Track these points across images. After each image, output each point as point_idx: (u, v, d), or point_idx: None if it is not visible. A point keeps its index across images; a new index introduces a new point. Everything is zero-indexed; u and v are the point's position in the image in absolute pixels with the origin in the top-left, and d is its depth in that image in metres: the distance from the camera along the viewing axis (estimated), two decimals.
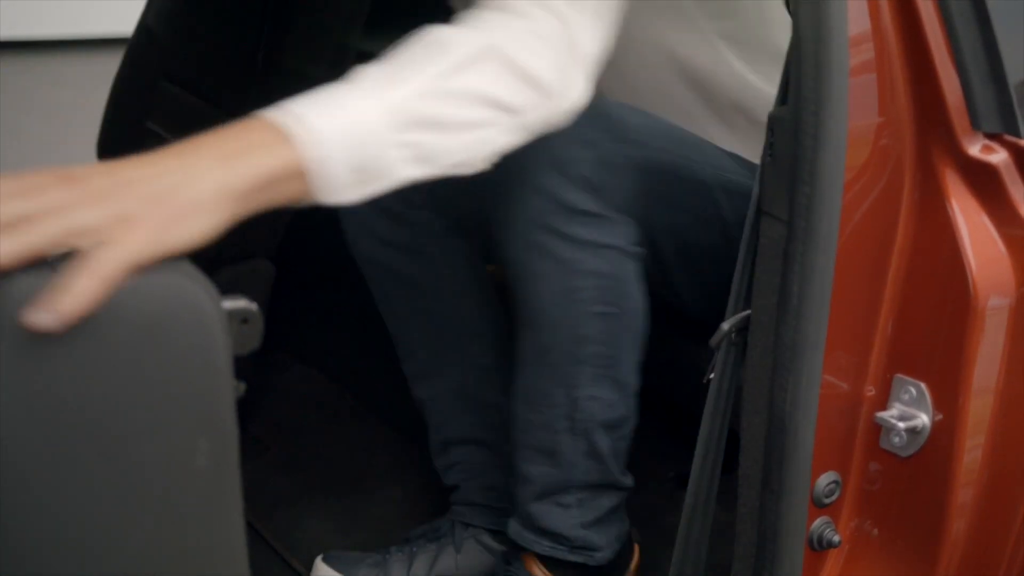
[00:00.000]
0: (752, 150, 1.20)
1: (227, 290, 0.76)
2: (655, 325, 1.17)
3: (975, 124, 0.89)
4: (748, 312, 0.93)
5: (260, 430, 1.71)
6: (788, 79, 0.87)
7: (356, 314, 2.04)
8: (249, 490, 0.71)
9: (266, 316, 0.74)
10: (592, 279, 1.08)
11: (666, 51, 1.23)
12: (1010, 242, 0.91)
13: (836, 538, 0.95)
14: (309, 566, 1.41)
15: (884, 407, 0.94)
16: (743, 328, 0.93)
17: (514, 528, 1.25)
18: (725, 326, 0.93)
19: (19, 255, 0.62)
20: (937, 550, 0.94)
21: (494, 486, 1.35)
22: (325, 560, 1.37)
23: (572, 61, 0.88)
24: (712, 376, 0.96)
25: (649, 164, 1.11)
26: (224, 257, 1.60)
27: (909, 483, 0.94)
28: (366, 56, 2.06)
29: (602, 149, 1.06)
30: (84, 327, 0.62)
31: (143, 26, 1.78)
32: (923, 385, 0.92)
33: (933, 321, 0.91)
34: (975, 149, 0.89)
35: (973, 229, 0.89)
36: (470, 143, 0.84)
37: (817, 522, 0.95)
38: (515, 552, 1.27)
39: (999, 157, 0.90)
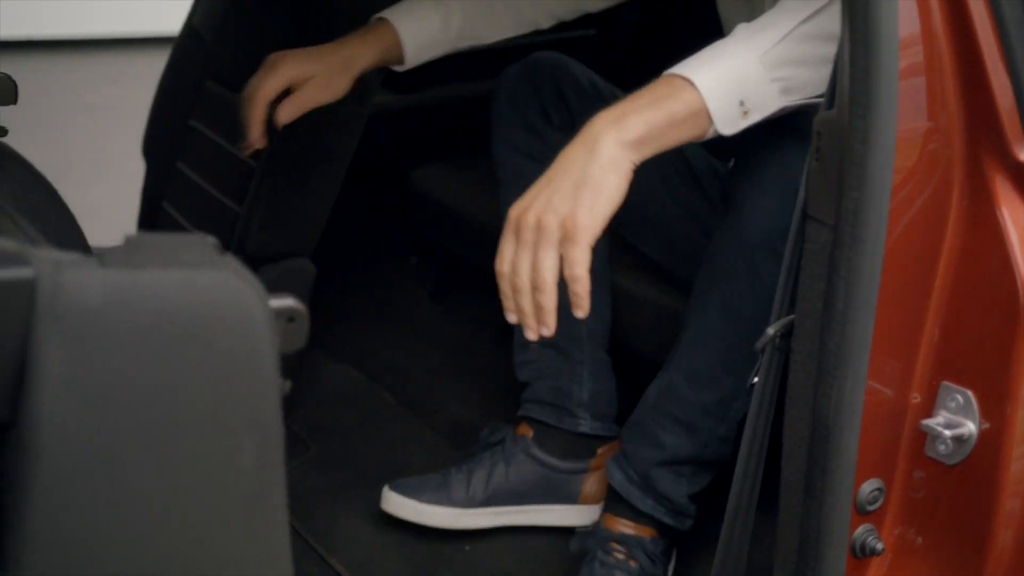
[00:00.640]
0: None
1: (268, 289, 0.77)
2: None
3: None
4: (792, 317, 0.92)
5: (298, 428, 1.72)
6: (836, 82, 0.86)
7: (394, 312, 2.06)
8: (287, 488, 0.72)
9: None
10: None
11: None
12: None
13: (879, 546, 0.94)
14: (347, 564, 1.42)
15: (930, 414, 0.93)
16: (787, 333, 0.92)
17: (619, 480, 1.33)
18: (770, 331, 0.92)
19: (551, 303, 1.01)
20: (983, 560, 0.92)
21: (560, 387, 1.47)
22: (392, 488, 1.46)
23: None
24: (755, 380, 0.96)
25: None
26: (265, 256, 1.62)
27: (954, 492, 0.93)
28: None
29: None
30: (132, 323, 0.63)
31: (189, 26, 1.80)
32: (970, 393, 0.90)
33: (981, 328, 0.90)
34: None
35: (1023, 236, 0.88)
36: (828, 75, 0.95)
37: (860, 529, 0.94)
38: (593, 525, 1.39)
39: None
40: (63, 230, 0.99)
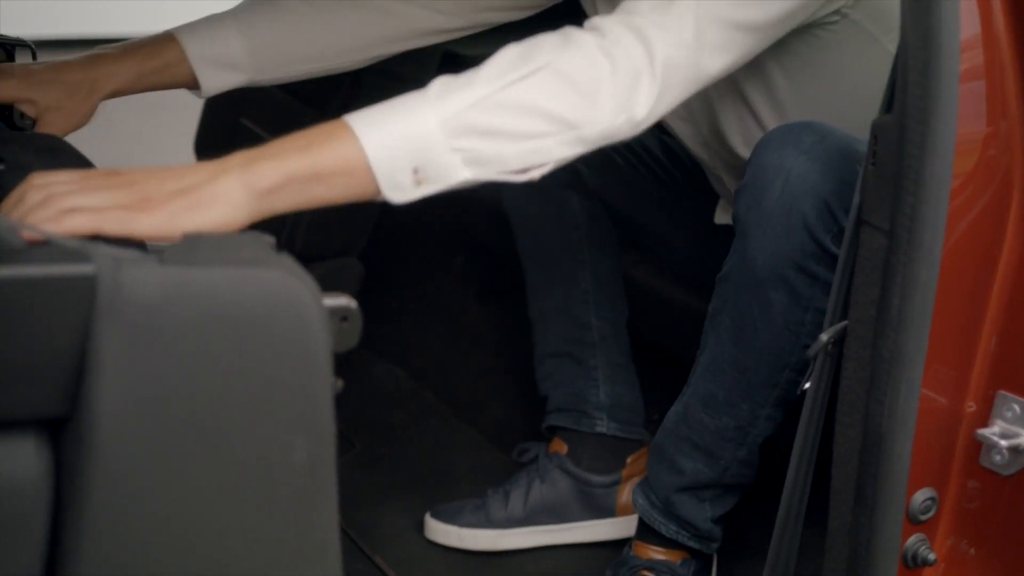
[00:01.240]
0: None
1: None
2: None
3: None
4: (845, 323, 0.91)
5: (344, 426, 1.72)
6: (894, 86, 0.85)
7: (440, 312, 2.06)
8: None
9: None
10: (817, 315, 1.09)
11: None
12: None
13: (931, 556, 0.92)
14: (390, 561, 1.43)
15: (985, 424, 0.91)
16: (840, 339, 0.91)
17: (643, 507, 1.33)
18: (823, 337, 0.91)
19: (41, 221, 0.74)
20: None
21: (575, 393, 1.49)
22: (433, 516, 1.48)
23: (644, 78, 0.92)
24: (807, 386, 0.95)
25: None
26: (313, 255, 1.63)
27: (1010, 503, 0.91)
28: (453, 56, 2.07)
29: (846, 194, 1.03)
30: (189, 319, 0.64)
31: None
32: None
33: None
34: None
35: None
36: (525, 152, 0.90)
37: (912, 539, 0.92)
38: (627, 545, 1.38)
39: None
40: None
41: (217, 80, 1.23)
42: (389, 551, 1.45)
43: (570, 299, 1.50)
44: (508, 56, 0.90)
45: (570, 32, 0.92)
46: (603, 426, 1.47)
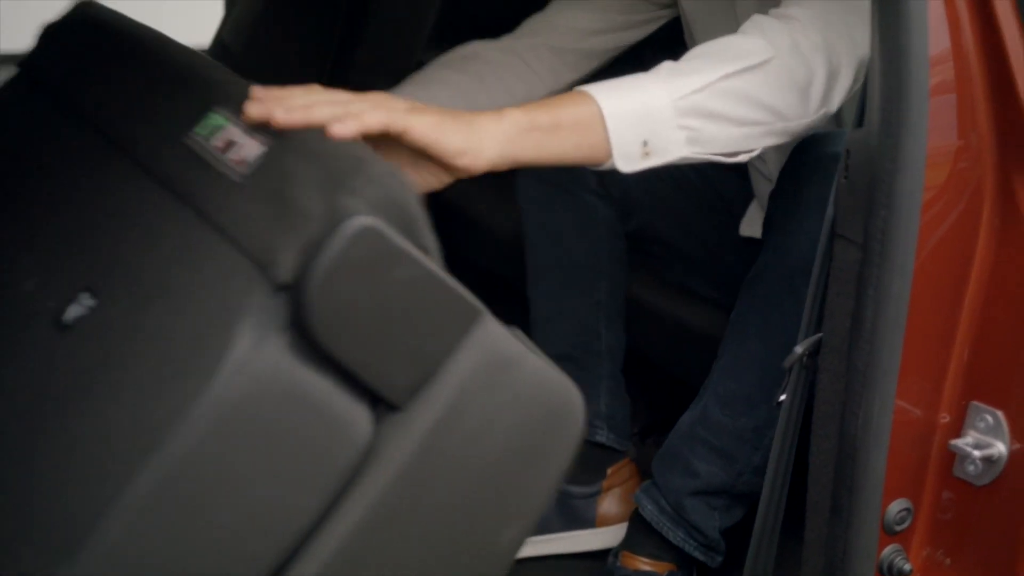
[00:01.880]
0: None
1: None
2: None
3: None
4: (820, 335, 0.91)
5: None
6: (865, 101, 0.86)
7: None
8: None
9: None
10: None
11: None
12: None
13: (907, 566, 0.93)
14: None
15: (958, 434, 0.92)
16: (814, 351, 0.92)
17: (651, 511, 1.31)
18: (798, 349, 0.92)
19: (329, 118, 0.79)
20: None
21: None
22: None
23: (841, 75, 1.02)
24: (783, 399, 0.95)
25: None
26: None
27: (984, 513, 0.92)
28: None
29: None
30: (516, 388, 0.78)
31: (219, 40, 1.82)
32: (1000, 413, 0.90)
33: (1012, 348, 0.89)
34: None
35: None
36: (741, 137, 0.98)
37: (887, 549, 0.93)
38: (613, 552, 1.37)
39: None
40: None
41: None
42: None
43: (583, 306, 1.49)
44: (730, 48, 0.99)
45: (774, 31, 1.00)
46: (603, 435, 1.46)
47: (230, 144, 0.80)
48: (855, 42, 1.02)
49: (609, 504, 1.44)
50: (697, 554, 1.30)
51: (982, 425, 0.91)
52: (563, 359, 1.49)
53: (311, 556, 0.72)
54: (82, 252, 0.83)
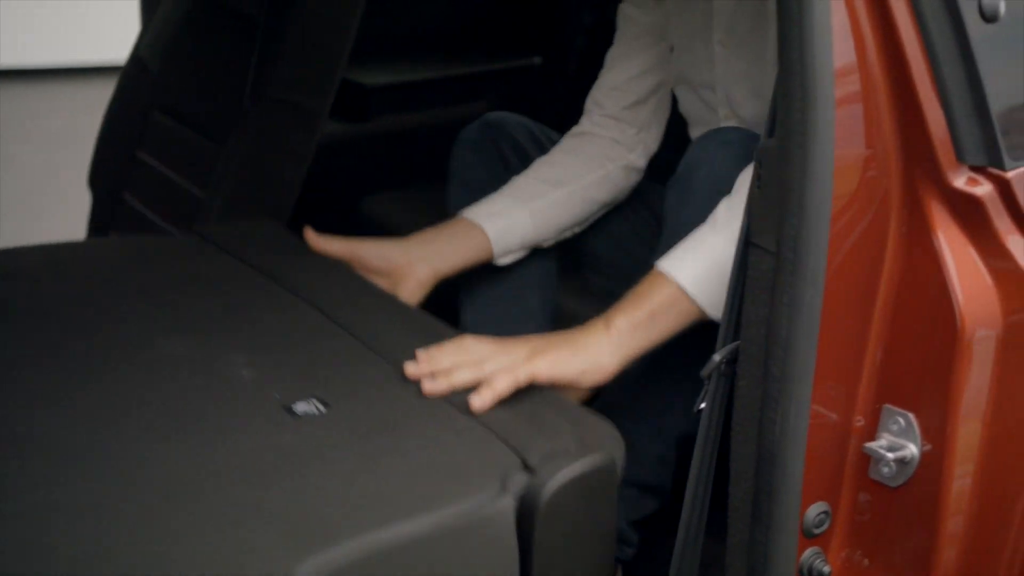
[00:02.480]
0: None
1: None
2: None
3: (960, 157, 0.90)
4: (737, 343, 0.93)
5: None
6: (776, 111, 0.88)
7: None
8: None
9: None
10: None
11: None
12: (996, 274, 0.91)
13: (826, 568, 0.95)
14: None
15: (873, 437, 0.94)
16: (733, 359, 0.93)
17: None
18: (716, 357, 0.93)
19: (470, 382, 1.01)
20: None
21: None
22: None
23: None
24: (703, 406, 0.96)
25: None
26: None
27: (899, 513, 0.94)
28: (351, 85, 2.06)
29: None
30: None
31: (135, 57, 1.79)
32: (911, 416, 0.92)
33: (921, 352, 0.91)
34: (960, 182, 0.90)
35: (959, 261, 0.90)
36: None
37: (807, 552, 0.95)
38: None
39: (984, 190, 0.91)
40: None
41: (510, 257, 1.44)
42: None
43: (511, 314, 1.50)
44: None
45: None
46: None
47: None
48: None
49: None
50: None
51: (895, 427, 0.93)
52: None
53: None
54: (312, 364, 1.06)
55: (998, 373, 0.92)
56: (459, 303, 1.53)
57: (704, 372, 0.95)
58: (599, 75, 1.54)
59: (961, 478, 0.92)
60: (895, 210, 0.91)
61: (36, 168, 2.91)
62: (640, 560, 1.37)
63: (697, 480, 0.97)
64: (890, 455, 0.92)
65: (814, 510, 0.93)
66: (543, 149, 1.55)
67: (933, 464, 0.91)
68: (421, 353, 1.04)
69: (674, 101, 1.51)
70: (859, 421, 0.94)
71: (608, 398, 1.26)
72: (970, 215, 0.91)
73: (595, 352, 1.07)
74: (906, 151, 0.90)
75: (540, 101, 2.08)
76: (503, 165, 1.54)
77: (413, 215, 1.90)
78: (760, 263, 0.90)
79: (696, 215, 1.15)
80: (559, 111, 1.68)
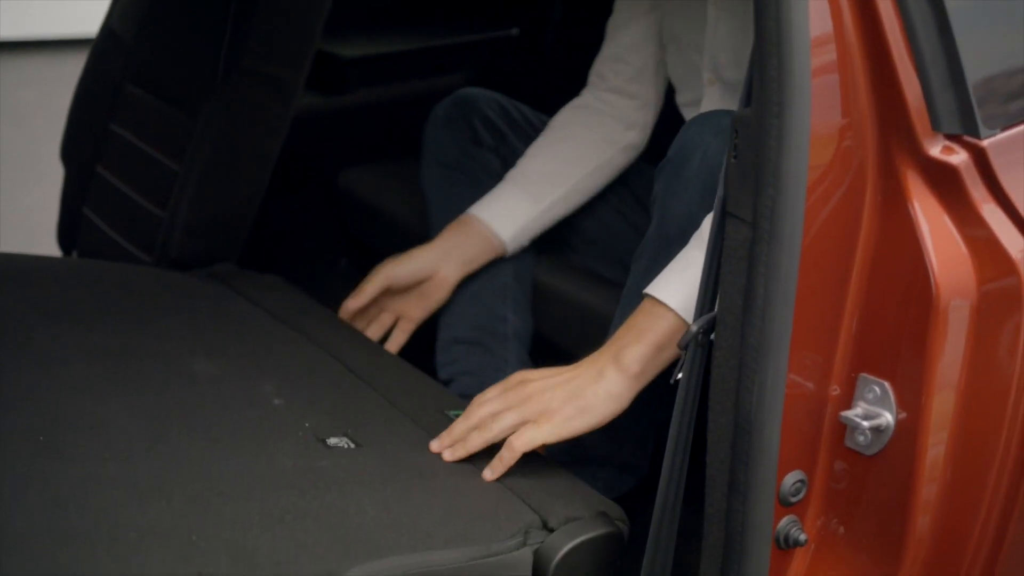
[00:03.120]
0: None
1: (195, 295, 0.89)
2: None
3: (935, 126, 0.90)
4: (714, 313, 0.93)
5: None
6: (752, 81, 0.88)
7: None
8: None
9: None
10: None
11: None
12: (971, 243, 0.91)
13: (802, 536, 0.95)
14: None
15: (849, 406, 0.94)
16: (709, 329, 0.93)
17: None
18: (693, 327, 0.93)
19: (481, 446, 1.10)
20: (902, 546, 0.94)
21: (484, 383, 1.52)
22: None
23: None
24: (679, 377, 0.97)
25: None
26: (190, 261, 1.59)
27: (874, 481, 0.95)
28: (327, 56, 2.05)
29: None
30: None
31: (106, 29, 1.76)
32: (887, 384, 0.92)
33: (896, 321, 0.92)
34: (936, 150, 0.90)
35: (935, 230, 0.90)
36: None
37: (783, 521, 0.95)
38: None
39: (959, 158, 0.91)
40: None
41: (517, 243, 1.49)
42: None
43: (487, 289, 1.51)
44: None
45: None
46: None
47: None
48: None
49: None
50: None
51: (871, 396, 0.93)
52: (469, 343, 1.49)
53: None
54: (338, 407, 1.16)
55: (972, 342, 0.92)
56: None
57: (681, 342, 0.95)
58: (602, 47, 1.54)
59: (935, 446, 0.93)
60: (871, 179, 0.91)
61: (8, 142, 2.88)
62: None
63: (674, 450, 0.98)
64: (866, 423, 0.92)
65: (790, 479, 0.94)
66: (515, 125, 1.54)
67: (908, 432, 0.92)
68: (441, 439, 1.12)
69: None
70: (835, 390, 0.95)
71: None
72: (945, 184, 0.91)
73: (612, 404, 1.09)
74: (882, 120, 0.90)
75: (518, 72, 2.07)
76: (475, 143, 1.53)
77: (391, 188, 1.89)
78: (737, 233, 0.90)
79: (688, 207, 1.14)
80: (537, 82, 1.68)
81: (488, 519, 1.00)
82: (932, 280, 0.90)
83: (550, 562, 0.98)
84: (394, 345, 1.48)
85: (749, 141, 0.87)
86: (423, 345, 1.55)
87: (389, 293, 1.48)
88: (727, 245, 0.91)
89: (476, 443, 1.09)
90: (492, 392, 1.13)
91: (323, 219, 2.09)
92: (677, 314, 1.09)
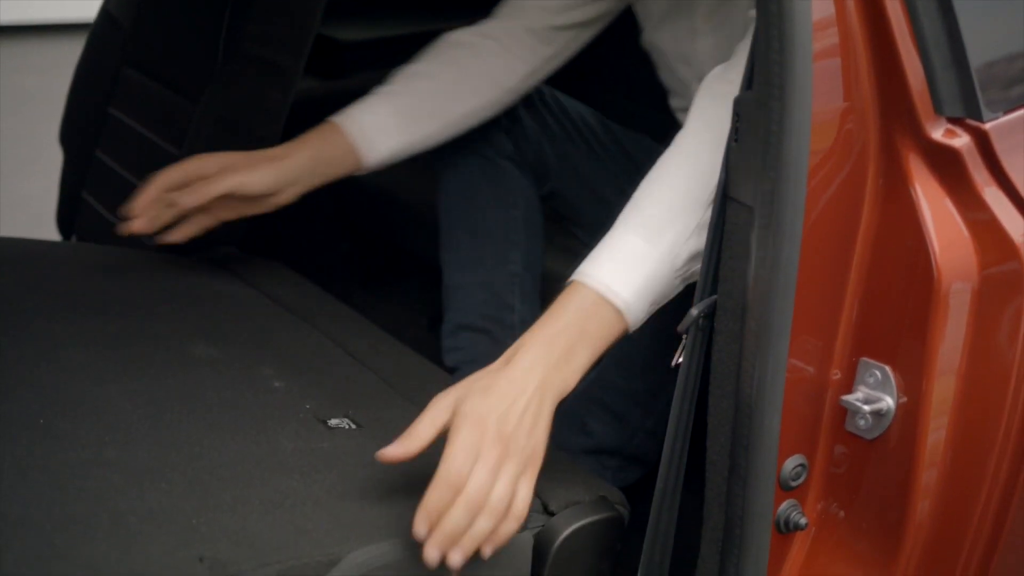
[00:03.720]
0: None
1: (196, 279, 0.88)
2: None
3: (938, 109, 0.90)
4: (715, 297, 0.93)
5: None
6: (754, 64, 0.87)
7: None
8: None
9: None
10: None
11: None
12: (972, 226, 0.91)
13: (803, 521, 0.95)
14: None
15: (849, 390, 0.94)
16: (710, 313, 0.93)
17: None
18: (693, 311, 0.93)
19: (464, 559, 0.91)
20: (902, 531, 0.95)
21: None
22: None
23: None
24: (680, 361, 0.96)
25: None
26: (192, 245, 1.59)
27: (874, 465, 0.95)
28: (326, 41, 2.04)
29: None
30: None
31: (105, 12, 1.76)
32: (888, 368, 0.92)
33: (897, 305, 0.92)
34: (938, 134, 0.90)
35: (936, 213, 0.90)
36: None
37: (784, 505, 0.95)
38: None
39: (962, 141, 0.90)
40: None
41: (378, 153, 1.35)
42: None
43: (496, 277, 1.49)
44: (694, 170, 1.00)
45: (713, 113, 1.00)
46: None
47: None
48: None
49: None
50: None
51: (871, 380, 0.93)
52: (476, 330, 1.49)
53: None
54: (338, 389, 1.15)
55: (973, 326, 0.92)
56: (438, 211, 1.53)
57: (681, 327, 0.95)
58: None
59: (936, 431, 0.93)
60: (873, 163, 0.91)
61: (7, 127, 2.88)
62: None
63: (675, 435, 0.98)
64: (866, 408, 0.92)
65: (791, 463, 0.94)
66: (530, 104, 1.52)
67: (908, 417, 0.92)
68: (422, 518, 0.91)
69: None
70: (836, 374, 0.94)
71: (604, 376, 1.26)
72: (947, 167, 0.90)
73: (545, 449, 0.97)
74: (884, 103, 0.90)
75: None
76: (495, 130, 1.52)
77: (391, 172, 1.88)
78: (737, 217, 0.89)
79: None
80: None
81: None
82: (933, 264, 0.89)
83: (550, 546, 0.99)
84: (181, 235, 1.32)
85: (750, 125, 0.87)
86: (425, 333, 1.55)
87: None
88: (727, 229, 0.90)
89: (470, 547, 0.90)
90: (462, 452, 0.90)
91: (323, 204, 2.08)
92: (624, 318, 1.00)
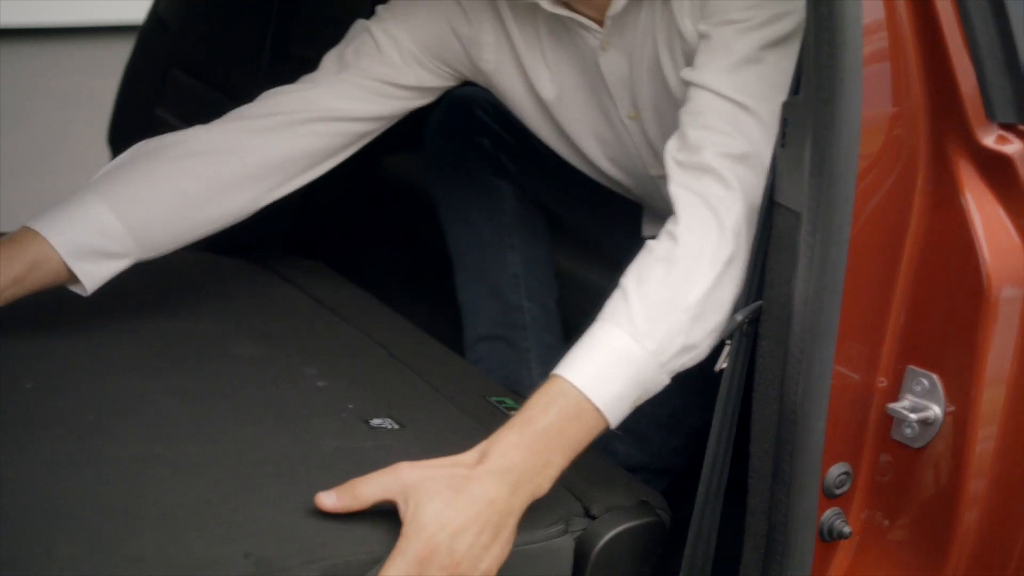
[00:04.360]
0: None
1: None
2: None
3: (990, 114, 0.89)
4: (760, 303, 0.92)
5: None
6: (802, 68, 0.87)
7: None
8: None
9: None
10: None
11: None
12: None
13: (847, 529, 0.94)
14: None
15: (896, 398, 0.93)
16: (755, 319, 0.93)
17: None
18: (738, 316, 0.93)
19: None
20: (948, 541, 0.93)
21: (509, 376, 1.49)
22: None
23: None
24: (724, 366, 0.96)
25: None
26: (234, 247, 1.61)
27: (920, 474, 0.94)
28: None
29: None
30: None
31: (154, 15, 1.78)
32: (935, 376, 0.91)
33: (946, 312, 0.91)
34: (990, 140, 0.89)
35: (987, 220, 0.89)
36: (713, 340, 0.96)
37: (828, 513, 0.94)
38: None
39: (1014, 148, 0.89)
40: None
41: (99, 271, 1.11)
42: None
43: (500, 282, 1.51)
44: (683, 273, 0.95)
45: (704, 200, 0.96)
46: None
47: None
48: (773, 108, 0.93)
49: None
50: None
51: (918, 388, 0.92)
52: (491, 339, 1.50)
53: None
54: (381, 389, 1.16)
55: (1023, 333, 0.91)
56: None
57: (725, 332, 0.94)
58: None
59: (984, 441, 0.92)
60: (922, 168, 0.90)
61: (51, 127, 2.92)
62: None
63: (718, 440, 0.97)
64: (913, 416, 0.91)
65: (835, 470, 0.93)
66: (508, 123, 1.52)
67: (956, 426, 0.91)
68: None
69: None
70: (882, 382, 0.94)
71: None
72: (999, 173, 0.89)
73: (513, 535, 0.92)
74: (934, 108, 0.89)
75: None
76: (472, 148, 1.53)
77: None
78: (784, 222, 0.89)
79: None
80: None
81: (532, 506, 1.00)
82: (983, 271, 0.88)
83: (592, 550, 0.98)
84: None
85: (798, 129, 0.86)
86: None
87: None
88: (774, 234, 0.90)
89: None
90: (404, 568, 0.86)
91: (366, 205, 2.09)
92: (603, 417, 0.93)
